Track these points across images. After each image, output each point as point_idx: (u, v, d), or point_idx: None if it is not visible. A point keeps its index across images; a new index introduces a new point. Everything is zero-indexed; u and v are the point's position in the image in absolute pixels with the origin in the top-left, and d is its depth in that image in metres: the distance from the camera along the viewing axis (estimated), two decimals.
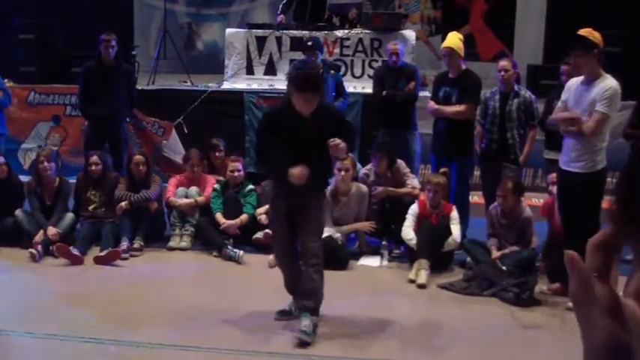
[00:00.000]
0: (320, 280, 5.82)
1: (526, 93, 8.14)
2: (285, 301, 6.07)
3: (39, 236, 8.02)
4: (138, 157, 8.71)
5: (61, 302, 6.56)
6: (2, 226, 8.31)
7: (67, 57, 11.95)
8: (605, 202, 6.63)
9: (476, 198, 9.03)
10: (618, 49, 10.69)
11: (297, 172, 5.56)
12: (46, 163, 8.38)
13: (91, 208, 8.48)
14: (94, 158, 8.56)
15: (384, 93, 8.87)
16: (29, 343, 5.58)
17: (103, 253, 7.78)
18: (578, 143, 6.33)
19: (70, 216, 8.39)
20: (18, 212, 8.34)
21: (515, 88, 8.09)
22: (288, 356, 5.43)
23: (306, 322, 5.67)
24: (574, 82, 6.49)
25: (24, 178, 8.94)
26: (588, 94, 6.25)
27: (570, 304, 5.07)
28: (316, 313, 5.80)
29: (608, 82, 6.19)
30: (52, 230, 8.06)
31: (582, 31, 6.29)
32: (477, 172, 8.96)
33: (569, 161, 6.45)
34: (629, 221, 1.01)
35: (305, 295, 5.86)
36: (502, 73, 8.02)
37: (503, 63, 8.14)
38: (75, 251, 7.76)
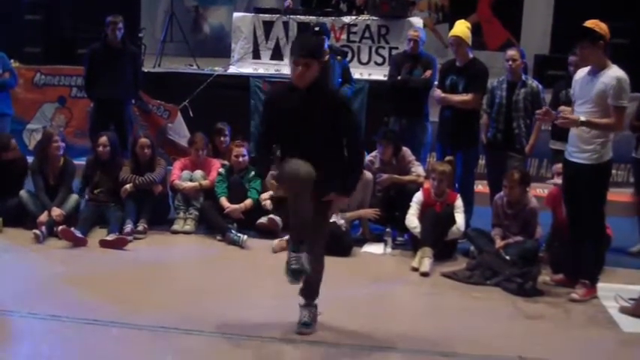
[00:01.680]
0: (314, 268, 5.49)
1: (533, 83, 8.12)
2: (287, 286, 5.94)
3: (43, 216, 8.02)
4: (143, 140, 8.69)
5: (64, 284, 6.55)
6: (6, 206, 8.30)
7: (73, 38, 11.99)
8: (611, 194, 6.63)
9: (480, 187, 9.02)
10: (625, 40, 10.67)
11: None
12: (60, 142, 8.40)
13: (96, 191, 8.47)
14: (103, 139, 8.53)
15: (399, 77, 8.83)
16: (33, 323, 5.58)
17: (109, 238, 7.76)
18: (585, 133, 6.32)
19: (74, 197, 8.39)
20: (22, 193, 8.33)
21: (523, 77, 8.08)
22: (289, 342, 5.43)
23: (304, 313, 5.64)
24: (581, 74, 6.49)
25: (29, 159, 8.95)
26: (594, 84, 6.24)
27: (574, 295, 5.09)
28: (312, 303, 5.71)
29: (615, 72, 6.18)
30: (56, 211, 8.06)
31: (588, 23, 6.27)
32: (481, 161, 8.94)
33: (576, 152, 6.44)
34: None
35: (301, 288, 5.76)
36: (510, 62, 8.01)
37: (512, 52, 8.12)
38: (78, 233, 7.76)
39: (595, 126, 6.21)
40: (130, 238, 7.92)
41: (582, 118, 6.18)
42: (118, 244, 7.71)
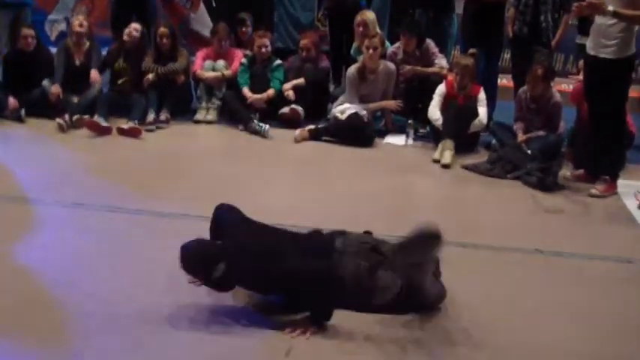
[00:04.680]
0: None
1: None
2: (310, 176, 5.95)
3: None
4: (162, 30, 8.64)
5: (88, 172, 6.62)
6: (30, 96, 8.32)
7: None
8: (634, 91, 6.55)
9: (505, 81, 8.95)
10: None
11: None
12: (82, 20, 8.62)
13: (120, 81, 8.48)
14: (135, 25, 8.64)
15: None
16: (57, 211, 5.67)
17: (125, 126, 7.82)
18: (608, 27, 6.20)
19: (96, 87, 8.40)
20: (45, 82, 8.35)
21: None
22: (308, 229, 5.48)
23: None
24: None
25: (51, 50, 8.92)
26: None
27: (593, 191, 5.04)
28: None
29: None
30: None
31: None
32: (506, 55, 8.85)
33: (597, 46, 6.33)
34: None
35: None
36: None
37: None
38: (103, 122, 7.81)
39: (624, 18, 6.09)
40: (152, 127, 7.97)
41: (611, 8, 6.05)
42: (133, 133, 7.78)
